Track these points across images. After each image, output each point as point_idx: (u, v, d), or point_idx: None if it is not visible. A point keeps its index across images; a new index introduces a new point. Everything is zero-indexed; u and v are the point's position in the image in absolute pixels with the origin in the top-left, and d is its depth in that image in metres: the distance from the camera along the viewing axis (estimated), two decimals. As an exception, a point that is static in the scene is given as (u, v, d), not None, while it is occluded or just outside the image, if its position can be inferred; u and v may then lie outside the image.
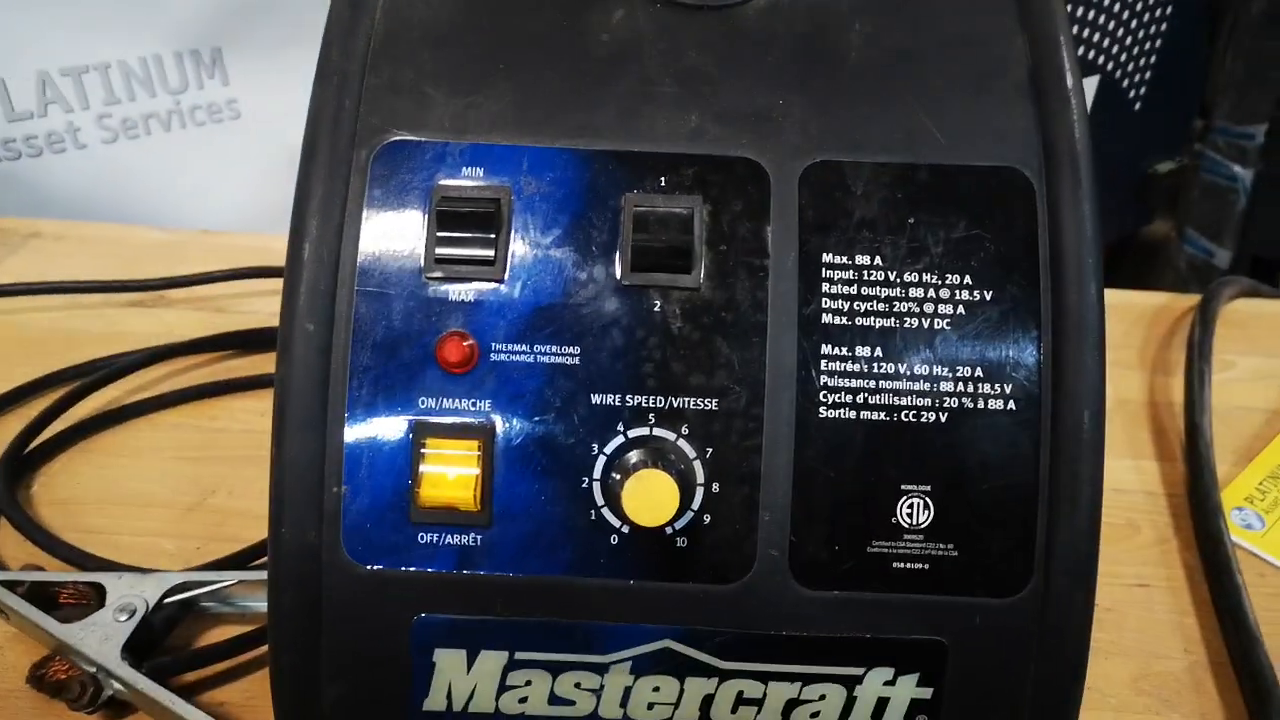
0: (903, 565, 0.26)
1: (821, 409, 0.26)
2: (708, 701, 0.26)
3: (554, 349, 0.26)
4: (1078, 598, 0.26)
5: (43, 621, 0.37)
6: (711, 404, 0.26)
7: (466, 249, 0.26)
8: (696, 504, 0.26)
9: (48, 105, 0.86)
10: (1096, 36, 0.60)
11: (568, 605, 0.26)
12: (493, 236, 0.26)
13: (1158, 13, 0.64)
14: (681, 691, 0.26)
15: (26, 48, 0.84)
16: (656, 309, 0.26)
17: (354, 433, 0.26)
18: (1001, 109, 0.28)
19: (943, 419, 0.26)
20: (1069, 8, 0.56)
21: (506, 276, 0.26)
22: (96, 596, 0.39)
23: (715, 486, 0.26)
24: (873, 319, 0.26)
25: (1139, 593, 0.45)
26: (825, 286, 0.26)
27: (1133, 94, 0.66)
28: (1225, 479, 0.52)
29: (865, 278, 0.27)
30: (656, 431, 0.26)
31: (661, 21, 0.29)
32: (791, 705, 0.26)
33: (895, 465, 0.26)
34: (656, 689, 0.26)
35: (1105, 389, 0.26)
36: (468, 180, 0.27)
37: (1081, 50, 0.60)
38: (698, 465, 0.26)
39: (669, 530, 0.26)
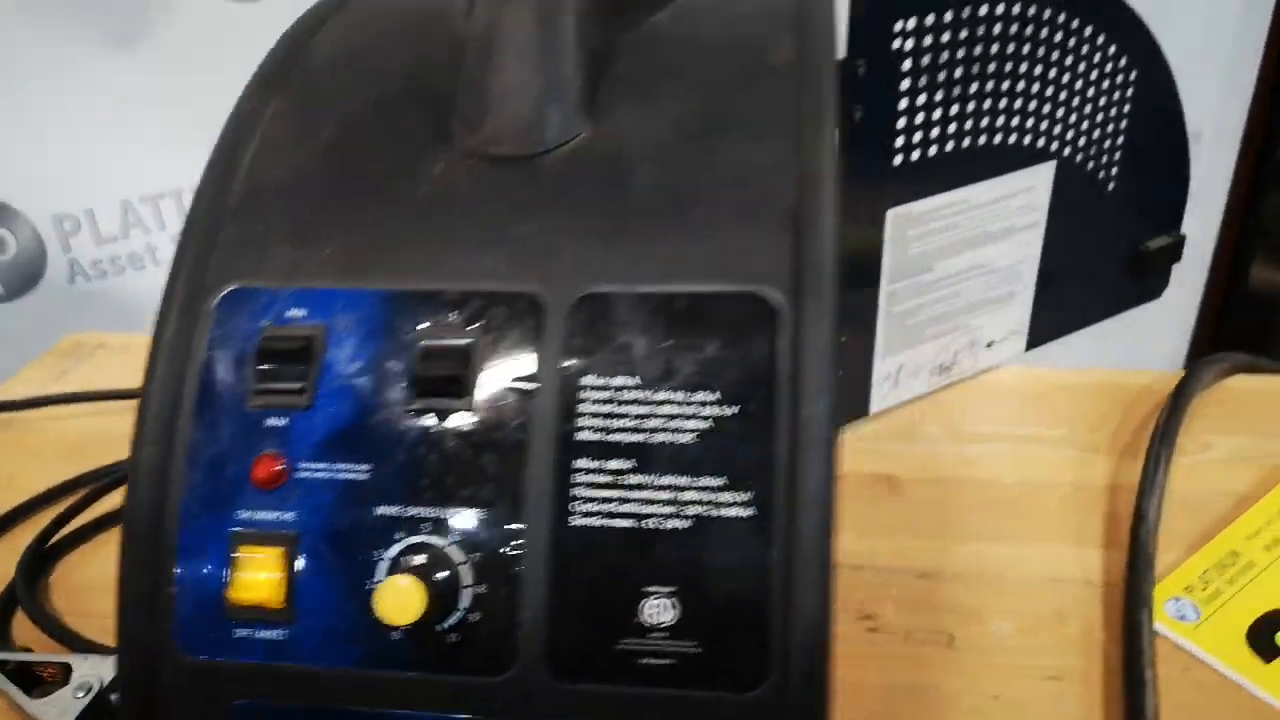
0: (650, 661, 0.28)
1: (574, 518, 0.29)
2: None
3: (349, 466, 0.30)
4: (809, 695, 0.27)
5: (15, 696, 0.43)
6: (478, 514, 0.29)
7: (282, 382, 0.31)
8: (465, 604, 0.29)
9: (130, 229, 0.97)
10: (1045, 125, 0.61)
11: (360, 695, 0.30)
12: (303, 369, 0.31)
13: (1115, 95, 0.64)
14: (465, 775, 0.29)
15: (111, 178, 0.95)
16: (434, 430, 0.30)
17: (185, 540, 0.30)
18: (760, 240, 0.31)
19: (685, 526, 0.28)
20: (1012, 99, 0.58)
21: (314, 404, 0.31)
22: (64, 675, 0.44)
23: (482, 588, 0.29)
24: (624, 435, 0.29)
25: (1049, 686, 0.45)
26: (582, 407, 0.30)
27: (1102, 175, 0.66)
28: (1171, 566, 0.51)
29: (620, 398, 0.30)
30: (430, 539, 0.29)
31: (474, 173, 0.34)
32: (561, 789, 0.29)
33: (641, 569, 0.28)
34: (443, 772, 0.29)
35: (833, 499, 0.28)
36: (291, 321, 0.32)
37: (1030, 139, 0.61)
38: (465, 569, 0.29)
39: (441, 628, 0.29)
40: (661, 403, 0.29)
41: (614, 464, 0.29)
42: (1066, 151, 0.63)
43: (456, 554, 0.29)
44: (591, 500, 0.29)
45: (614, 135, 0.34)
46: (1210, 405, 0.64)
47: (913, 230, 0.59)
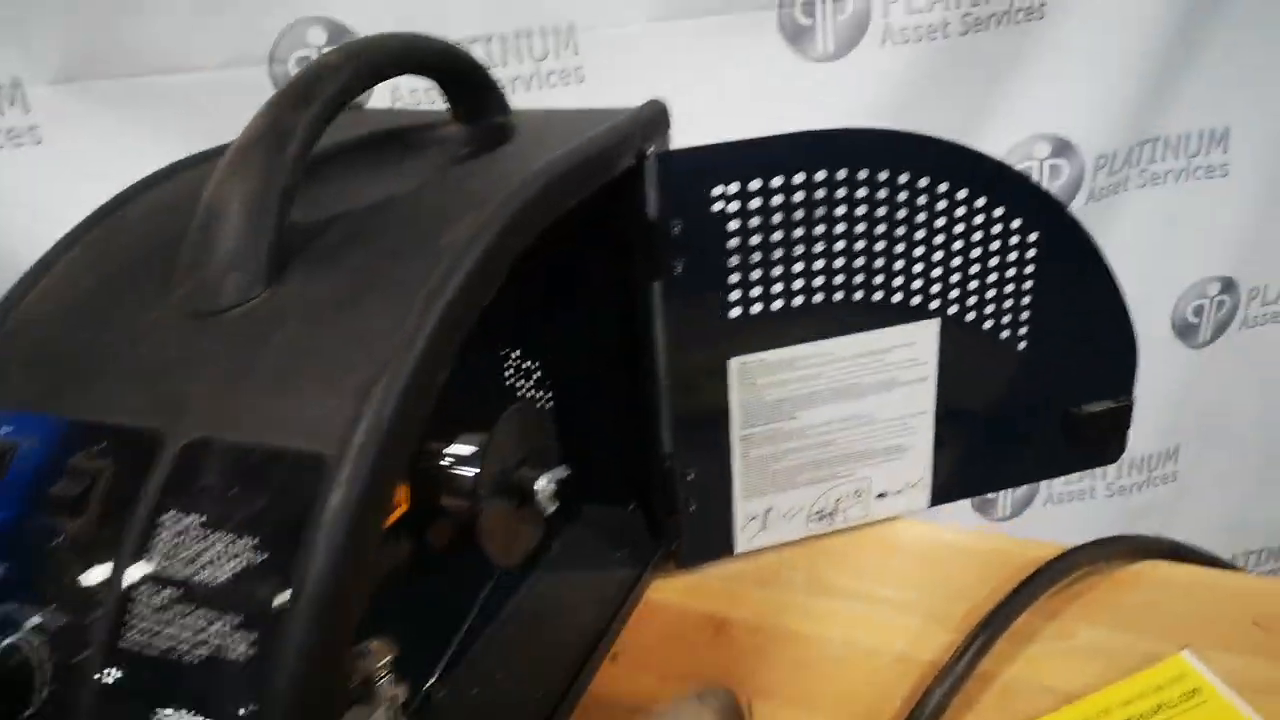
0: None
1: (120, 639, 0.33)
2: None
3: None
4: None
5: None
6: (58, 620, 0.34)
7: (-33, 485, 0.38)
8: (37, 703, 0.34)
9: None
10: (918, 283, 0.61)
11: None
12: (-15, 477, 0.37)
13: (1008, 258, 0.62)
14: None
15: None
16: (49, 544, 0.36)
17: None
18: (335, 404, 0.35)
19: (204, 655, 0.32)
20: (869, 258, 0.58)
21: (-16, 512, 0.37)
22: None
23: (53, 688, 0.34)
24: (180, 568, 0.34)
25: None
26: (155, 538, 0.34)
27: (1006, 335, 0.64)
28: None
29: (188, 534, 0.34)
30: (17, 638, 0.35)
31: (169, 325, 0.40)
32: None
33: (160, 691, 0.33)
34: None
35: (319, 648, 0.31)
36: (-2, 436, 0.39)
37: (899, 296, 0.60)
38: (41, 669, 0.34)
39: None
40: (216, 543, 0.34)
41: (160, 596, 0.33)
42: (952, 310, 0.61)
43: (37, 654, 0.34)
44: (137, 624, 0.33)
45: (281, 298, 0.39)
46: (1106, 589, 0.60)
47: (765, 378, 0.60)
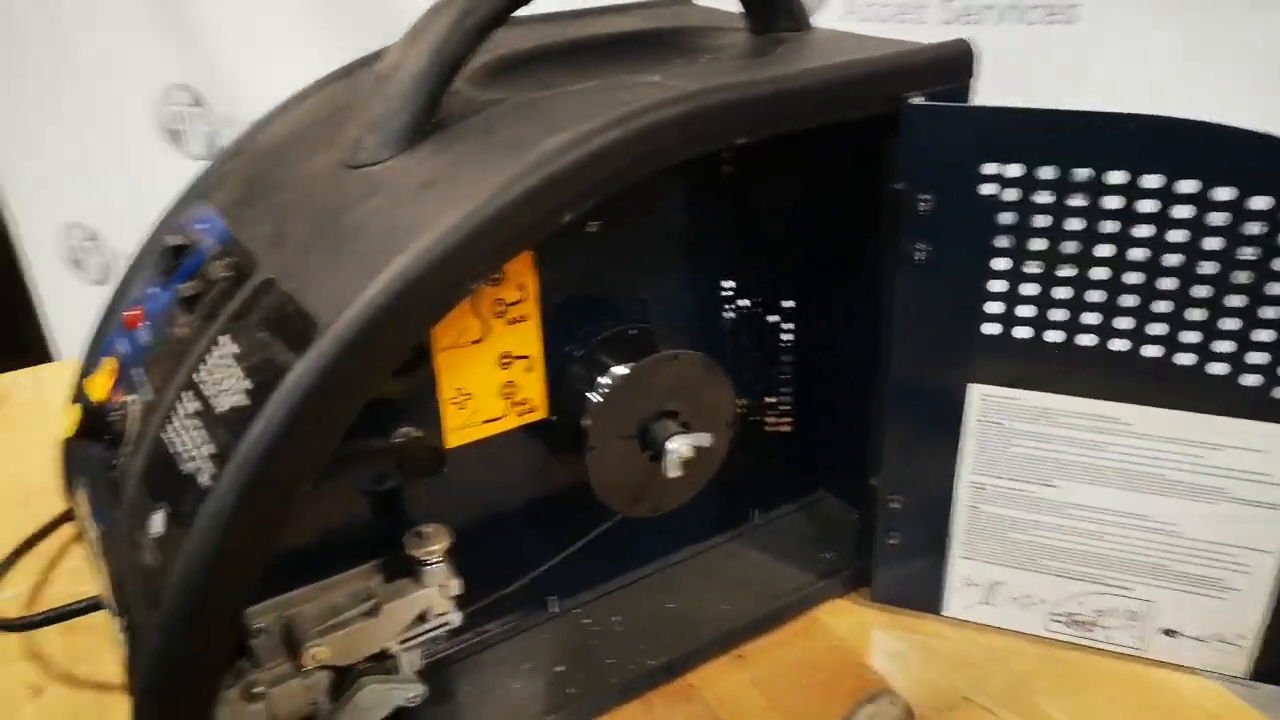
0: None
1: (163, 430, 0.38)
2: None
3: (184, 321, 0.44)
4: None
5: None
6: (144, 391, 0.41)
7: (171, 268, 0.45)
8: (124, 450, 0.41)
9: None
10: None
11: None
12: (177, 262, 0.45)
13: None
14: None
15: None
16: (165, 331, 0.42)
17: (109, 341, 0.48)
18: (354, 280, 0.35)
19: (187, 470, 0.36)
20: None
21: (169, 284, 0.45)
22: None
23: (129, 447, 0.40)
24: (209, 388, 0.37)
25: None
26: (208, 357, 0.38)
27: None
28: None
29: (224, 362, 0.37)
30: (129, 400, 0.42)
31: (319, 171, 0.43)
32: None
33: (155, 485, 0.37)
34: None
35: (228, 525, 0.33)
36: (191, 229, 0.46)
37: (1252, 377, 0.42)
38: (134, 431, 0.41)
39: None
40: (233, 375, 0.36)
41: (194, 405, 0.37)
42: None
43: (133, 419, 0.41)
44: (175, 422, 0.38)
45: (395, 168, 0.40)
46: None
47: (1017, 423, 0.46)
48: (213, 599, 0.34)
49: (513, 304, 0.45)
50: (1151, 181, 0.40)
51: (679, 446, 0.46)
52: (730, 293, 0.53)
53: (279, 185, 0.44)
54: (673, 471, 0.46)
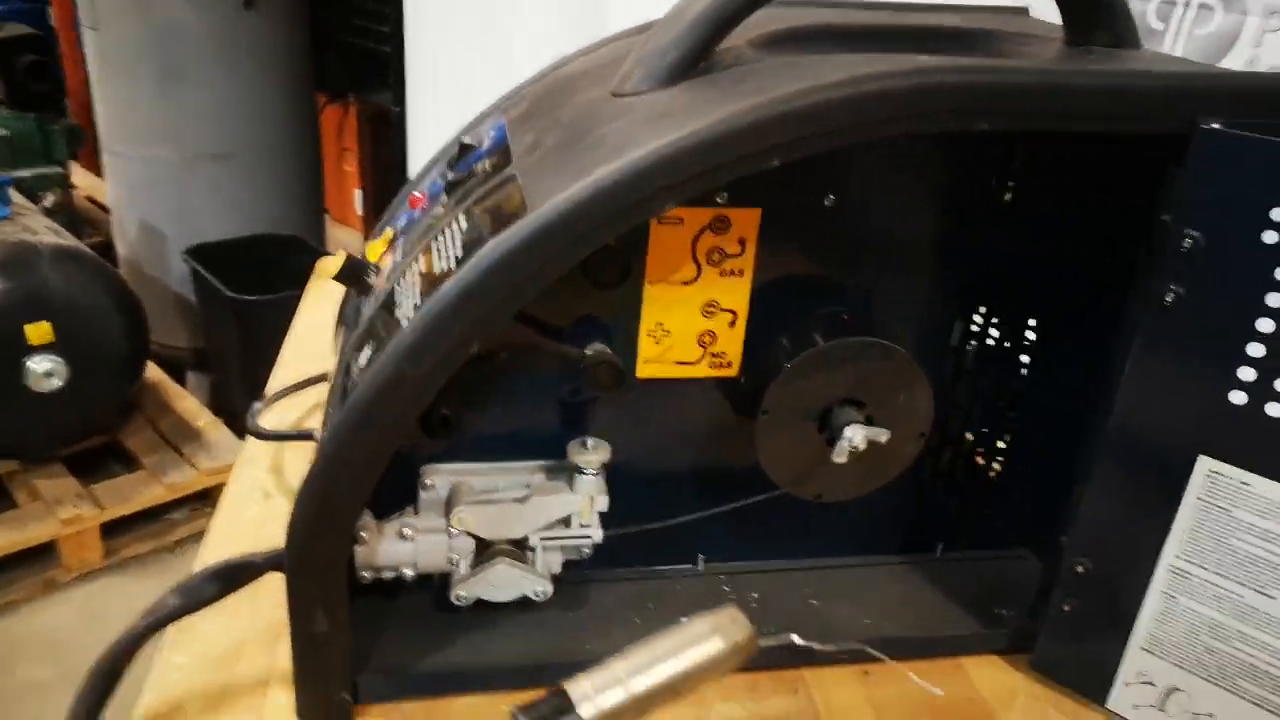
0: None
1: (396, 285, 0.44)
2: None
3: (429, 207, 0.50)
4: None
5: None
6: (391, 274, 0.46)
7: (456, 164, 0.51)
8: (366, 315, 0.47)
9: None
10: None
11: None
12: (457, 158, 0.51)
13: None
14: None
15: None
16: (427, 214, 0.47)
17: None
18: (559, 186, 0.38)
19: (379, 332, 0.41)
20: None
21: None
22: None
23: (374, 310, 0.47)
24: (412, 261, 0.42)
25: None
26: (449, 229, 0.43)
27: None
28: None
29: (443, 237, 0.42)
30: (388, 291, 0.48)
31: (596, 96, 0.46)
32: None
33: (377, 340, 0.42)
34: None
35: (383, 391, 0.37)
36: (479, 130, 0.51)
37: None
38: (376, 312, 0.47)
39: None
40: (446, 247, 0.41)
41: (413, 277, 0.42)
42: None
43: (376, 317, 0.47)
44: (398, 286, 0.43)
45: (649, 101, 0.42)
46: None
47: (1245, 512, 0.41)
48: (382, 415, 0.38)
49: (731, 256, 0.47)
50: None
51: (854, 435, 0.45)
52: (974, 312, 0.51)
53: (556, 106, 0.48)
54: (839, 458, 0.46)
